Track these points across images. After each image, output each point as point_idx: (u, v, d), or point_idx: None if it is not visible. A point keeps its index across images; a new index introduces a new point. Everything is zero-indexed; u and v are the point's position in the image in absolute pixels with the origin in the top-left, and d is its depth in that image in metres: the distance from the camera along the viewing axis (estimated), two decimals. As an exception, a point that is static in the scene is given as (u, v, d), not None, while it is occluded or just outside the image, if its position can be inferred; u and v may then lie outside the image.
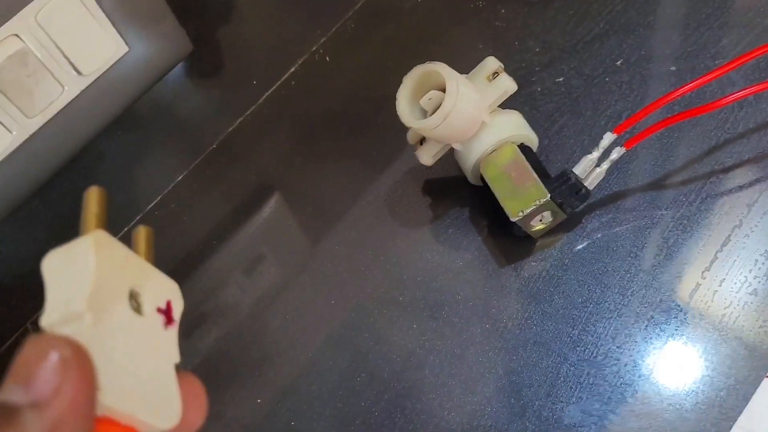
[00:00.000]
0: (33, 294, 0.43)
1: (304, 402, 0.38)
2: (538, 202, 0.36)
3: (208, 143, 0.48)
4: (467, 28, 0.50)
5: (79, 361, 0.16)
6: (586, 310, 0.37)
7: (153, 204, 0.46)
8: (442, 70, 0.37)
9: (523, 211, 0.36)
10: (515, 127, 0.39)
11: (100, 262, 0.19)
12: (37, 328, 0.23)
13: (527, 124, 0.39)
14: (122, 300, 0.20)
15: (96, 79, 0.36)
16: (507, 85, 0.38)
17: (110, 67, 0.37)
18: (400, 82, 0.38)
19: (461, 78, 0.37)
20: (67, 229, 0.21)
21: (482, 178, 0.39)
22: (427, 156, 0.40)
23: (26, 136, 0.35)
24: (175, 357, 0.21)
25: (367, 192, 0.44)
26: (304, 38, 0.50)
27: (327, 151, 0.47)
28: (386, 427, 0.36)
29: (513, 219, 0.37)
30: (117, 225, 0.45)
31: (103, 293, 0.19)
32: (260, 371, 0.39)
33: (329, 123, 0.48)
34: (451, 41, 0.49)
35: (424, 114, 0.38)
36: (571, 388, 0.35)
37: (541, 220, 0.38)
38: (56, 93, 0.35)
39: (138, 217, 0.46)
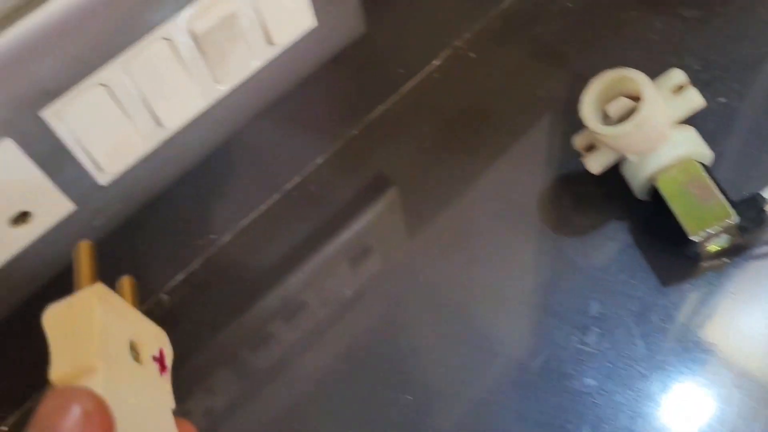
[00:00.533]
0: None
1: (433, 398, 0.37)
2: (724, 223, 0.35)
3: (349, 128, 0.47)
4: (619, 37, 0.49)
5: (101, 414, 0.16)
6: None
7: (292, 185, 0.45)
8: (636, 76, 0.36)
9: (704, 231, 0.35)
10: (695, 143, 0.38)
11: (102, 314, 0.19)
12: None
13: (704, 141, 0.38)
14: (125, 350, 0.20)
15: (281, 52, 0.36)
16: (696, 100, 0.37)
17: (295, 40, 0.36)
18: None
19: (654, 87, 0.36)
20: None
21: (652, 193, 0.38)
22: (596, 164, 0.39)
23: (210, 101, 0.34)
24: (171, 403, 0.22)
25: (506, 196, 0.43)
26: (449, 33, 0.49)
27: (464, 148, 0.46)
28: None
29: (692, 238, 0.36)
30: (250, 202, 0.44)
31: (109, 345, 0.19)
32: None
33: (470, 120, 0.47)
34: (601, 49, 0.48)
35: (604, 120, 0.37)
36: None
37: (715, 242, 0.37)
38: (246, 61, 0.34)
39: (275, 195, 0.45)
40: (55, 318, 0.19)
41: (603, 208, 0.42)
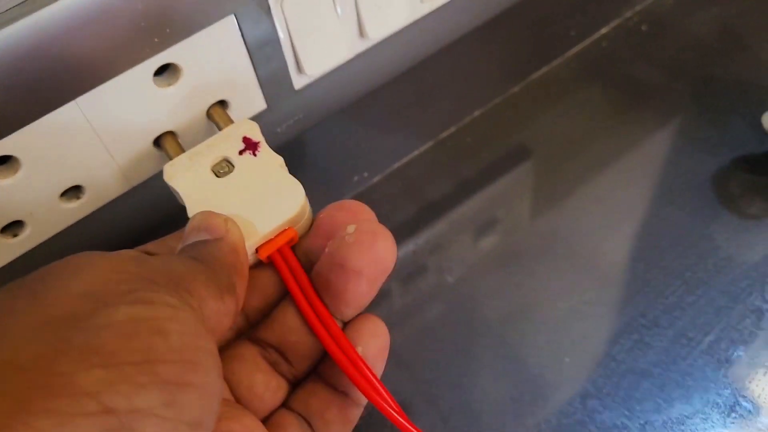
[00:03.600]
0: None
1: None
2: None
3: (511, 84, 0.45)
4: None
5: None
6: None
7: (448, 133, 0.44)
8: None
9: None
10: None
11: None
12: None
13: None
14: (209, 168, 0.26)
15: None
16: None
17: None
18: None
19: None
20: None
21: None
22: (787, 144, 0.37)
23: (413, 18, 0.33)
24: (278, 160, 0.26)
25: (669, 176, 0.41)
26: (622, 3, 0.47)
27: (625, 119, 0.44)
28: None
29: None
30: (406, 145, 0.43)
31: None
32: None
33: (636, 92, 0.45)
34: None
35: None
36: None
37: None
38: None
39: (429, 142, 0.43)
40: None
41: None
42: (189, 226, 0.23)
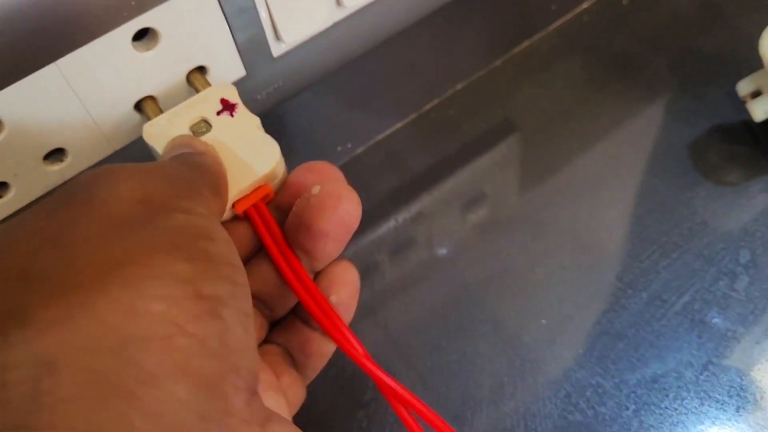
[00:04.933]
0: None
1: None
2: None
3: (493, 58, 0.46)
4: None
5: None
6: None
7: (431, 105, 0.45)
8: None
9: None
10: None
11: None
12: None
13: None
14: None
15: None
16: None
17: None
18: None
19: None
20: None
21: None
22: (760, 111, 0.38)
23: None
24: (255, 121, 0.26)
25: (648, 146, 0.42)
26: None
27: (608, 93, 0.44)
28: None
29: None
30: (389, 117, 0.43)
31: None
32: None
33: (617, 66, 0.45)
34: (764, 8, 0.46)
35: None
36: None
37: None
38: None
39: (412, 114, 0.44)
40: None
41: (756, 163, 0.40)
42: (171, 143, 0.24)
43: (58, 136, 0.28)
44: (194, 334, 0.16)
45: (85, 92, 0.27)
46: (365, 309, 0.37)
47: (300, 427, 0.20)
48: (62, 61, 0.26)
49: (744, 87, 0.38)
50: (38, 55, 0.25)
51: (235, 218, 0.26)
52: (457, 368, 0.35)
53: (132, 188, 0.18)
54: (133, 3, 0.26)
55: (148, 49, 0.28)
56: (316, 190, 0.24)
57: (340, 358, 0.35)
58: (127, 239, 0.17)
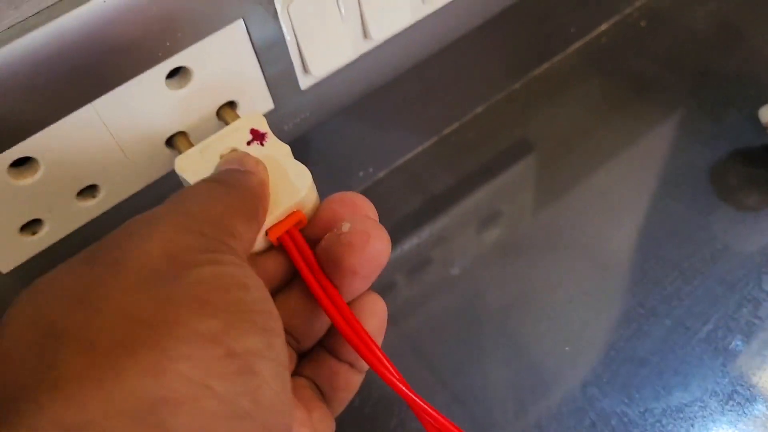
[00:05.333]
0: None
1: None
2: None
3: (512, 80, 0.46)
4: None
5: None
6: None
7: (451, 128, 0.45)
8: None
9: None
10: None
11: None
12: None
13: None
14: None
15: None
16: None
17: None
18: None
19: None
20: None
21: None
22: (783, 136, 0.38)
23: (415, 19, 0.34)
24: (285, 149, 0.27)
25: (666, 169, 0.42)
26: (622, -2, 0.48)
27: (627, 113, 0.44)
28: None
29: None
30: (409, 141, 0.44)
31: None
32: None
33: (636, 87, 0.46)
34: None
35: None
36: None
37: None
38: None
39: (433, 137, 0.44)
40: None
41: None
42: (225, 158, 0.25)
43: (92, 173, 0.28)
44: (224, 395, 0.15)
45: (119, 130, 0.27)
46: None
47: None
48: (98, 101, 0.26)
49: (766, 113, 0.38)
50: (76, 97, 0.25)
51: (270, 248, 0.26)
52: (480, 394, 0.35)
53: (161, 242, 0.18)
54: (168, 44, 0.26)
55: (180, 87, 0.28)
56: (346, 227, 0.24)
57: (364, 386, 0.35)
58: (154, 298, 0.16)
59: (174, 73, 0.28)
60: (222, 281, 0.17)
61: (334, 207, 0.26)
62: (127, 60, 0.25)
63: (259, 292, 0.18)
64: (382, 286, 0.39)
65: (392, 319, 0.38)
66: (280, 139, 0.27)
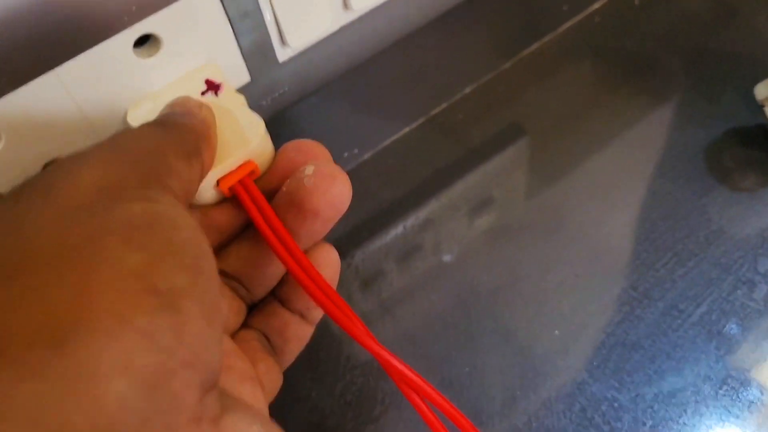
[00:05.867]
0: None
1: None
2: None
3: (502, 60, 0.45)
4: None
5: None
6: None
7: (440, 109, 0.44)
8: None
9: None
10: None
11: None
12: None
13: None
14: None
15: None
16: None
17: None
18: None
19: None
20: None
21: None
22: (779, 114, 0.37)
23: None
24: (240, 99, 0.26)
25: (661, 149, 0.41)
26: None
27: (620, 93, 0.43)
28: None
29: None
30: (396, 122, 0.42)
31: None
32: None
33: (630, 67, 0.44)
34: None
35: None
36: None
37: None
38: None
39: (421, 118, 0.43)
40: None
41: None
42: (168, 103, 0.25)
43: (58, 145, 0.27)
44: (144, 329, 0.15)
45: (84, 99, 0.26)
46: (372, 317, 0.36)
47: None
48: (61, 69, 0.25)
49: (762, 91, 0.37)
50: (36, 63, 0.24)
51: (224, 201, 0.25)
52: (468, 381, 0.34)
53: (92, 176, 0.18)
54: (134, 8, 0.25)
55: (149, 56, 0.27)
56: (309, 170, 0.24)
57: (347, 372, 0.34)
58: (82, 228, 0.16)
59: (143, 42, 0.27)
60: (152, 218, 0.17)
61: (291, 155, 0.26)
62: (91, 24, 0.24)
63: (190, 232, 0.18)
64: (369, 273, 0.38)
65: (379, 307, 0.37)
66: (258, 114, 0.26)
